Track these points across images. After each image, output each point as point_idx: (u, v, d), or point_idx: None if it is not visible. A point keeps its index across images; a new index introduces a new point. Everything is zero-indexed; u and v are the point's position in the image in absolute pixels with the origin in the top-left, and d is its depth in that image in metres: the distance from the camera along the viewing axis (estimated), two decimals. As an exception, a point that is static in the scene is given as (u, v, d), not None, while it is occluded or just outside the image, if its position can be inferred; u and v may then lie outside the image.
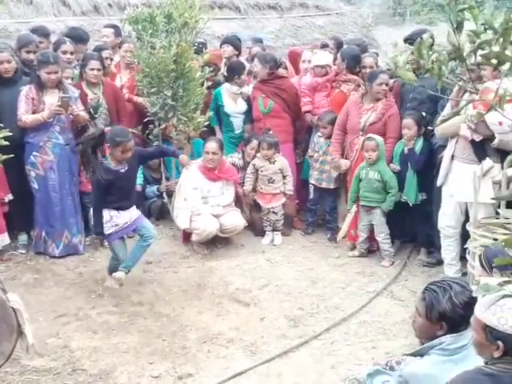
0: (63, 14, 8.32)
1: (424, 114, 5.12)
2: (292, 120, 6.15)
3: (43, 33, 5.97)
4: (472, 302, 2.31)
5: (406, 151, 5.19)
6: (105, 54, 5.90)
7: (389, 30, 14.83)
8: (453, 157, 4.58)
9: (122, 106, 5.80)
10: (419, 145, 5.12)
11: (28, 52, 5.47)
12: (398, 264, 5.32)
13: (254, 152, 5.93)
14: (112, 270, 4.72)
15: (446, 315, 2.48)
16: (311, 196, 6.04)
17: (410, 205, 5.20)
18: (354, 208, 5.36)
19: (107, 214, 4.59)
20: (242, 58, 6.75)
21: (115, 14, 8.61)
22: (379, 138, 5.19)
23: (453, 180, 4.60)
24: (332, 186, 5.85)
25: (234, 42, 6.92)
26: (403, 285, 4.94)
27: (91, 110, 5.56)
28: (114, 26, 6.55)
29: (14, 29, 7.71)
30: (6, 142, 3.11)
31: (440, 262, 5.07)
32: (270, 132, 5.88)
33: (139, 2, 8.66)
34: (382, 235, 5.32)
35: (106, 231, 4.63)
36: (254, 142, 5.93)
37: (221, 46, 6.93)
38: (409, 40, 5.23)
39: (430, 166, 5.05)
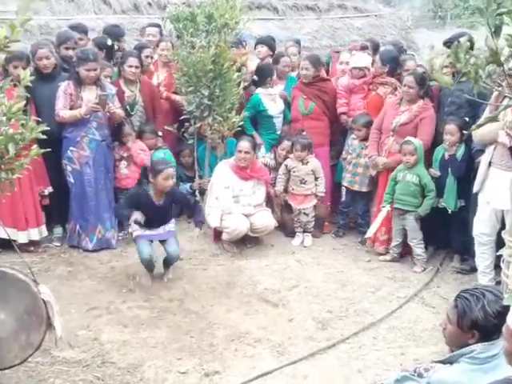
0: (103, 11, 8.44)
1: (467, 119, 5.02)
2: (330, 123, 6.13)
3: (82, 30, 6.08)
4: (505, 311, 2.25)
5: (446, 157, 5.10)
6: (145, 52, 5.98)
7: (429, 33, 14.63)
8: (490, 163, 4.49)
9: (158, 104, 5.87)
10: (461, 151, 5.03)
11: (67, 48, 5.58)
12: (431, 270, 5.25)
13: (285, 153, 5.93)
14: (147, 268, 4.84)
15: (478, 324, 2.43)
16: (343, 198, 6.00)
17: (449, 211, 5.11)
18: (388, 207, 5.29)
19: (135, 226, 4.80)
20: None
21: (155, 13, 8.69)
22: (417, 142, 5.12)
23: (489, 187, 4.51)
24: (364, 189, 5.82)
25: (269, 42, 6.94)
26: (435, 291, 4.87)
27: (127, 107, 5.65)
28: (159, 26, 6.62)
29: (55, 25, 7.84)
30: (44, 136, 3.16)
31: (473, 270, 4.98)
32: (304, 133, 5.87)
33: (179, 0, 8.72)
34: (415, 240, 5.26)
35: (134, 233, 4.81)
36: (286, 143, 5.93)
37: (255, 46, 6.92)
38: (448, 43, 5.15)
39: (469, 172, 4.97)
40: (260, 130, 6.21)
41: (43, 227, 5.38)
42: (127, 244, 5.62)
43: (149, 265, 4.80)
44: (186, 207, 5.29)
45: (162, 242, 4.93)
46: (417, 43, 10.71)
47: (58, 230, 5.63)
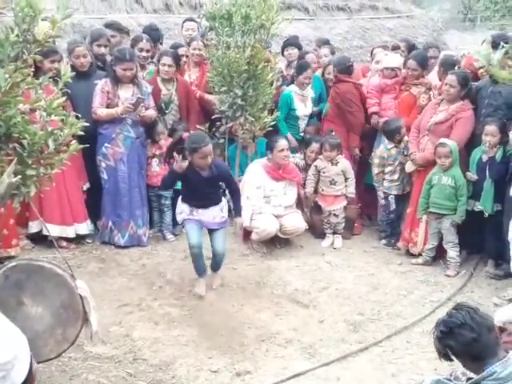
0: (136, 11, 8.53)
1: (505, 120, 4.92)
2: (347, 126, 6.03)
3: (117, 27, 6.13)
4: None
5: (484, 159, 5.01)
6: (181, 51, 6.03)
7: (460, 35, 14.45)
8: (529, 166, 4.40)
9: (192, 103, 5.90)
10: (500, 153, 4.93)
11: (99, 46, 5.63)
12: (464, 274, 5.16)
13: (314, 155, 5.90)
14: (196, 266, 4.69)
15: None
16: (393, 207, 5.78)
17: (486, 215, 5.02)
18: (425, 217, 5.23)
19: (188, 208, 4.63)
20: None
21: (186, 13, 8.75)
22: (452, 144, 5.04)
23: (527, 190, 4.42)
24: (407, 190, 5.73)
25: (298, 43, 6.97)
26: (468, 296, 4.77)
27: (163, 104, 5.68)
28: (197, 21, 6.65)
29: (88, 24, 7.96)
30: (82, 133, 3.19)
31: (508, 275, 4.89)
32: (333, 133, 5.83)
33: (210, 0, 8.75)
34: (451, 244, 5.19)
35: (180, 216, 4.68)
36: (314, 145, 5.90)
37: (284, 48, 6.89)
38: (494, 43, 5.02)
39: (505, 175, 4.88)
40: (283, 129, 6.17)
41: (88, 222, 5.44)
42: (157, 242, 5.67)
43: (198, 252, 4.57)
44: (228, 184, 4.84)
45: (211, 234, 4.72)
46: (448, 44, 10.57)
47: (90, 227, 5.67)
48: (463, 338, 2.36)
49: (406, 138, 5.64)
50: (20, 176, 2.80)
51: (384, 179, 5.75)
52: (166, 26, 8.31)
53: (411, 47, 6.60)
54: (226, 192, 5.66)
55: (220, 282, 4.78)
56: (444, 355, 2.48)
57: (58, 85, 3.12)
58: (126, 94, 5.27)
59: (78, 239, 5.48)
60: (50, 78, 3.22)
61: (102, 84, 5.27)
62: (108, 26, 6.11)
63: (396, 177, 5.72)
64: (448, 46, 10.35)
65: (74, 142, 3.12)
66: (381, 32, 10.23)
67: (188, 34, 6.62)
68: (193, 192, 4.57)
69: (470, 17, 25.92)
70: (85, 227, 5.43)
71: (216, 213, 4.66)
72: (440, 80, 5.74)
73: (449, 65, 5.65)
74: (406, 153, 5.60)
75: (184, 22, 6.96)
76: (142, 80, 5.46)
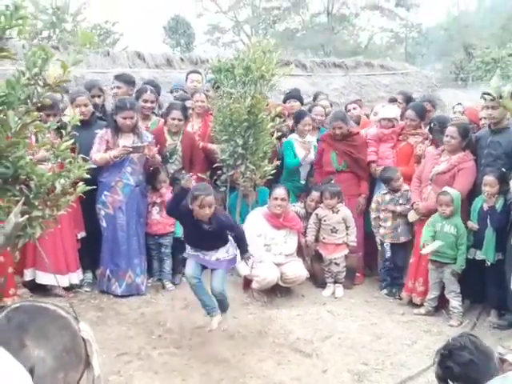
0: (138, 66, 8.74)
1: (504, 170, 4.99)
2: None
3: (123, 79, 6.29)
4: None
5: (485, 208, 5.05)
6: (188, 103, 6.17)
7: (453, 92, 14.80)
8: (530, 214, 4.43)
9: (196, 154, 5.97)
10: (500, 202, 4.97)
11: (92, 96, 5.77)
12: (467, 324, 5.10)
13: (315, 204, 5.94)
14: (202, 303, 4.63)
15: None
16: (388, 254, 5.82)
17: (488, 264, 5.02)
18: (437, 244, 5.16)
19: (192, 249, 4.63)
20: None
21: (187, 68, 8.95)
22: (454, 193, 5.08)
23: (528, 237, 4.43)
24: (402, 240, 5.74)
25: (300, 97, 7.11)
26: (473, 346, 4.69)
27: (167, 154, 5.76)
28: (200, 73, 6.83)
29: (90, 77, 8.12)
30: (88, 176, 3.22)
31: (512, 325, 4.84)
32: (333, 181, 5.89)
33: (209, 56, 9.01)
34: (453, 293, 5.16)
35: (185, 253, 4.67)
36: (315, 194, 5.94)
37: (286, 100, 7.05)
38: (489, 94, 5.15)
39: (506, 224, 4.90)
40: (284, 176, 6.25)
41: (80, 271, 5.40)
42: (157, 291, 5.61)
43: (195, 283, 4.51)
44: (232, 232, 4.75)
45: (211, 273, 4.66)
46: (442, 100, 10.82)
47: (88, 276, 5.64)
48: (462, 359, 2.39)
49: (404, 187, 5.70)
50: (27, 216, 2.80)
51: (380, 226, 5.77)
52: (168, 80, 8.49)
53: (408, 99, 6.77)
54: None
55: (226, 326, 4.70)
56: (444, 380, 2.45)
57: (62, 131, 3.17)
58: (126, 142, 5.30)
59: (76, 288, 5.42)
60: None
61: (102, 133, 5.34)
62: (117, 77, 6.30)
63: (388, 224, 5.74)
64: (442, 102, 10.60)
65: (80, 183, 3.13)
66: (377, 88, 10.49)
67: (193, 86, 6.78)
68: (194, 240, 4.60)
69: (462, 76, 26.55)
70: (76, 277, 5.37)
71: (220, 255, 4.62)
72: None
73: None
74: (401, 202, 5.65)
75: (189, 73, 7.13)
76: (143, 130, 5.53)
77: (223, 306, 4.71)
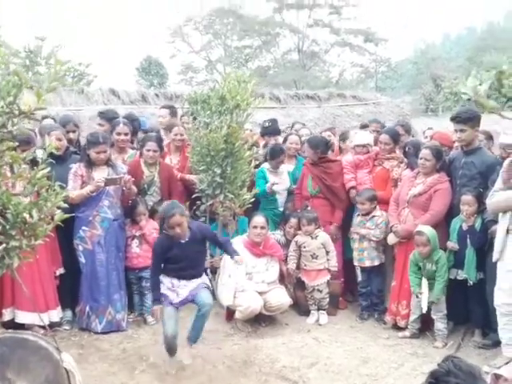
0: (112, 102, 8.77)
1: (481, 190, 5.04)
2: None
3: (106, 117, 6.32)
4: None
5: (465, 228, 5.09)
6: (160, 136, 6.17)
7: (425, 121, 15.12)
8: (508, 230, 4.47)
9: (174, 186, 5.95)
10: (479, 222, 5.02)
11: (67, 131, 5.78)
12: (452, 345, 5.10)
13: (293, 230, 5.94)
14: (168, 348, 4.55)
15: None
16: (359, 278, 5.89)
17: (470, 283, 5.05)
18: (420, 290, 5.18)
19: (168, 281, 4.54)
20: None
21: (162, 103, 9.01)
22: (429, 231, 5.09)
23: (509, 254, 4.45)
24: (376, 263, 5.74)
25: (278, 130, 7.22)
26: (459, 366, 4.67)
27: (145, 186, 5.73)
28: (170, 107, 6.85)
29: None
30: (66, 205, 3.18)
31: (497, 344, 4.81)
32: (309, 208, 5.91)
33: (184, 91, 9.10)
34: (440, 314, 5.16)
35: (163, 290, 4.55)
36: (293, 221, 5.95)
37: (264, 135, 7.10)
38: (456, 118, 5.28)
39: (486, 243, 4.96)
40: (262, 205, 6.25)
41: (59, 308, 5.27)
42: (138, 326, 5.50)
43: (171, 343, 4.49)
44: (213, 240, 4.92)
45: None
46: (415, 128, 11.03)
47: (68, 314, 5.48)
48: None
49: (377, 212, 5.73)
50: (4, 245, 2.75)
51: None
52: (143, 115, 8.52)
53: (382, 126, 6.89)
54: (208, 271, 5.63)
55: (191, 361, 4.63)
56: None
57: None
58: (101, 175, 5.24)
59: (55, 327, 5.28)
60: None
61: (75, 168, 5.28)
62: (100, 114, 6.35)
63: (355, 246, 5.80)
64: (415, 130, 10.80)
65: (58, 211, 3.09)
66: (350, 118, 10.68)
67: (159, 122, 6.83)
68: (175, 263, 4.51)
69: (431, 107, 27.15)
70: (56, 314, 5.22)
71: (196, 284, 4.61)
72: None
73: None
74: (368, 225, 5.71)
75: (161, 108, 7.19)
76: (116, 162, 5.51)
77: (196, 334, 4.65)
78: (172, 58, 34.38)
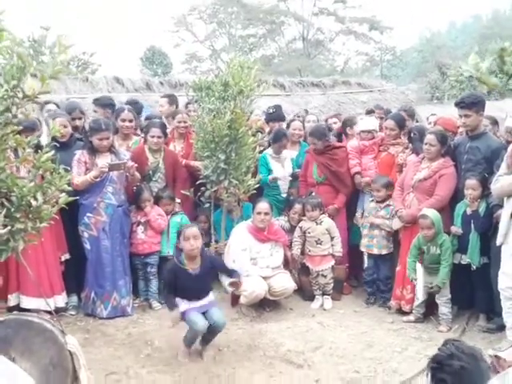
0: (117, 90, 8.76)
1: (486, 175, 5.02)
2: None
3: (100, 103, 6.30)
4: None
5: (469, 212, 5.09)
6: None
7: (430, 108, 15.01)
8: (512, 215, 4.46)
9: (179, 172, 5.98)
10: (483, 206, 5.01)
11: (73, 119, 5.78)
12: (456, 329, 5.10)
13: (297, 216, 5.94)
14: (190, 342, 4.54)
15: None
16: (366, 264, 5.90)
17: (474, 268, 5.05)
18: (415, 276, 5.19)
19: (180, 301, 4.54)
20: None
21: (166, 91, 9.00)
22: (433, 215, 5.07)
23: (514, 238, 4.45)
24: (384, 252, 5.73)
25: (282, 116, 7.21)
26: (463, 350, 4.68)
27: (150, 172, 5.74)
28: (169, 96, 6.84)
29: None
30: (70, 188, 3.19)
31: (501, 328, 4.81)
32: (313, 193, 5.91)
33: (188, 79, 9.07)
34: (444, 298, 5.16)
35: (181, 309, 4.51)
36: (297, 207, 5.95)
37: (269, 122, 7.09)
38: (460, 104, 5.25)
39: (489, 228, 4.94)
40: (265, 191, 6.26)
41: (65, 294, 5.31)
42: (143, 311, 5.54)
43: (197, 337, 4.52)
44: (223, 270, 4.94)
45: (204, 313, 4.59)
46: (420, 116, 10.97)
47: (73, 299, 5.52)
48: (451, 368, 2.34)
49: (390, 201, 5.72)
50: (9, 228, 2.76)
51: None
52: (148, 103, 8.52)
53: (387, 112, 6.86)
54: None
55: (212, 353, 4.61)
56: None
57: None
58: (104, 162, 5.23)
59: (60, 311, 5.32)
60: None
61: (78, 155, 5.28)
62: (94, 101, 6.35)
63: (365, 232, 5.80)
64: (420, 117, 10.75)
65: (63, 194, 3.10)
66: (354, 105, 10.63)
67: (160, 111, 6.88)
68: (183, 291, 4.53)
69: (437, 95, 26.98)
70: (61, 299, 5.27)
71: (208, 300, 4.64)
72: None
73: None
74: (381, 213, 5.69)
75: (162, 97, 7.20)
76: (119, 148, 5.52)
77: (210, 340, 4.63)
78: (176, 47, 34.32)
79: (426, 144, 5.36)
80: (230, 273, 4.84)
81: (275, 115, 7.06)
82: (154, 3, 60.17)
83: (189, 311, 4.49)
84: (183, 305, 4.51)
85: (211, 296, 4.69)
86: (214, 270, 4.74)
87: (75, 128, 5.77)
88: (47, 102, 6.41)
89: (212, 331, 4.54)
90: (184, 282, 4.50)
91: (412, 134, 5.86)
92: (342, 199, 6.07)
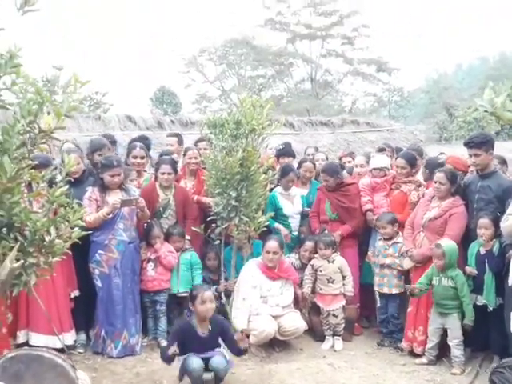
0: (129, 128, 8.87)
1: (499, 213, 4.98)
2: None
3: (110, 140, 6.37)
4: None
5: (482, 252, 5.04)
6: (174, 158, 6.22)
7: (438, 148, 15.10)
8: (523, 254, 4.41)
9: (190, 209, 5.99)
10: (497, 246, 4.97)
11: (100, 155, 5.79)
12: (470, 372, 4.99)
13: (308, 254, 5.92)
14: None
15: None
16: (378, 304, 5.82)
17: (491, 309, 4.96)
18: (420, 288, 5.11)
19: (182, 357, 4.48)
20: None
21: (177, 129, 9.10)
22: (447, 245, 5.03)
23: (525, 278, 4.39)
24: (394, 291, 5.66)
25: (292, 152, 7.21)
26: (478, 393, 4.58)
27: (160, 209, 5.76)
28: (177, 135, 6.92)
29: (81, 141, 8.22)
30: (83, 223, 3.20)
31: (516, 371, 4.71)
32: (326, 231, 5.89)
33: (199, 118, 9.18)
34: (456, 341, 5.06)
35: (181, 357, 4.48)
36: (308, 244, 5.93)
37: (279, 157, 7.12)
38: (470, 143, 5.28)
39: (503, 267, 4.89)
40: (277, 230, 6.22)
41: (73, 331, 5.26)
42: (152, 349, 5.46)
43: (197, 377, 4.39)
44: (227, 338, 4.66)
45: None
46: (429, 155, 11.00)
47: (82, 337, 5.46)
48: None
49: (398, 238, 5.69)
50: (22, 261, 2.76)
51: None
52: (159, 141, 8.61)
53: (396, 150, 6.90)
54: (222, 295, 5.60)
55: None
56: None
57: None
58: (115, 199, 5.22)
59: (69, 349, 5.25)
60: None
61: (89, 193, 5.28)
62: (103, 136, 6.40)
63: (376, 271, 5.75)
64: (428, 156, 10.76)
65: (76, 229, 3.11)
66: (363, 144, 10.70)
67: (168, 149, 6.90)
68: (190, 350, 4.48)
69: (445, 136, 27.13)
70: (70, 337, 5.21)
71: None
72: (425, 181, 5.96)
73: (433, 165, 5.89)
74: (390, 251, 5.65)
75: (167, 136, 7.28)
76: (129, 185, 5.53)
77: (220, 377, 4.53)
78: (187, 87, 34.84)
79: (435, 182, 5.36)
80: (233, 348, 4.65)
81: (284, 151, 7.11)
82: (165, 44, 61.49)
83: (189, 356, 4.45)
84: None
85: (218, 349, 4.60)
86: (222, 335, 4.65)
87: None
88: (66, 142, 6.48)
89: (216, 379, 4.47)
90: (192, 342, 4.47)
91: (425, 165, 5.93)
92: (347, 228, 6.04)
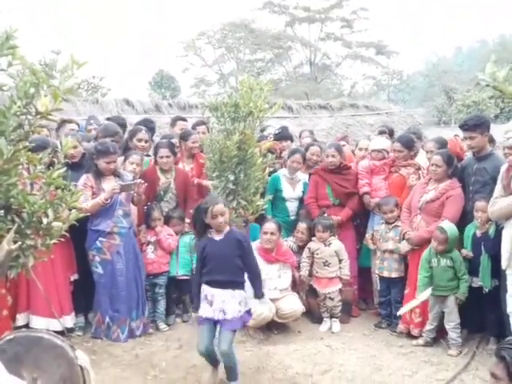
0: (126, 112, 8.83)
1: None
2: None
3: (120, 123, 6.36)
4: None
5: (478, 235, 5.06)
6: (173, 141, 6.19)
7: (437, 131, 15.08)
8: (515, 236, 4.42)
9: (190, 193, 6.02)
10: (493, 228, 4.97)
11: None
12: (466, 353, 5.02)
13: (300, 235, 5.93)
14: (212, 363, 4.40)
15: None
16: (378, 287, 5.85)
17: (486, 290, 4.99)
18: (429, 290, 5.08)
19: (202, 289, 4.28)
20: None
21: (175, 113, 9.06)
22: (451, 231, 5.02)
23: (518, 261, 4.41)
24: (394, 275, 5.68)
25: (290, 135, 7.22)
26: (474, 374, 4.62)
27: (161, 192, 5.79)
28: (204, 123, 6.88)
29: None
30: (80, 206, 3.19)
31: (512, 352, 4.74)
32: (325, 214, 5.89)
33: (198, 102, 9.15)
34: (452, 324, 5.10)
35: (200, 312, 4.29)
36: (301, 225, 5.95)
37: (277, 141, 7.09)
38: (464, 126, 5.27)
39: (499, 249, 4.90)
40: (274, 211, 6.25)
41: (73, 314, 5.29)
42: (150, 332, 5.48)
43: (207, 357, 4.29)
44: (245, 258, 4.29)
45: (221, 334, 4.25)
46: (428, 138, 10.99)
47: (81, 320, 5.48)
48: None
49: (399, 221, 5.68)
50: (19, 243, 2.77)
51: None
52: (157, 125, 8.56)
53: (390, 132, 6.91)
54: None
55: None
56: None
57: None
58: (110, 186, 5.17)
59: (68, 332, 5.28)
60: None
61: (84, 180, 5.19)
62: (110, 119, 6.39)
63: (377, 254, 5.77)
64: (427, 139, 10.74)
65: (73, 211, 3.11)
66: (362, 127, 10.67)
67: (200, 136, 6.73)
68: (207, 264, 4.26)
69: (444, 119, 27.09)
70: (70, 320, 5.24)
71: (232, 305, 4.19)
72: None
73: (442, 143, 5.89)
74: (391, 235, 5.66)
75: (176, 120, 7.19)
76: (122, 170, 5.47)
77: (231, 373, 4.30)
78: (185, 71, 34.71)
79: (432, 165, 5.36)
80: (252, 263, 4.38)
81: (281, 135, 7.10)
82: (163, 28, 61.05)
83: (201, 321, 4.25)
84: (203, 301, 4.25)
85: (236, 304, 4.21)
86: (238, 244, 4.27)
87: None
88: (69, 122, 6.43)
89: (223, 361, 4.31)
90: (209, 251, 4.22)
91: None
92: (347, 212, 6.05)
